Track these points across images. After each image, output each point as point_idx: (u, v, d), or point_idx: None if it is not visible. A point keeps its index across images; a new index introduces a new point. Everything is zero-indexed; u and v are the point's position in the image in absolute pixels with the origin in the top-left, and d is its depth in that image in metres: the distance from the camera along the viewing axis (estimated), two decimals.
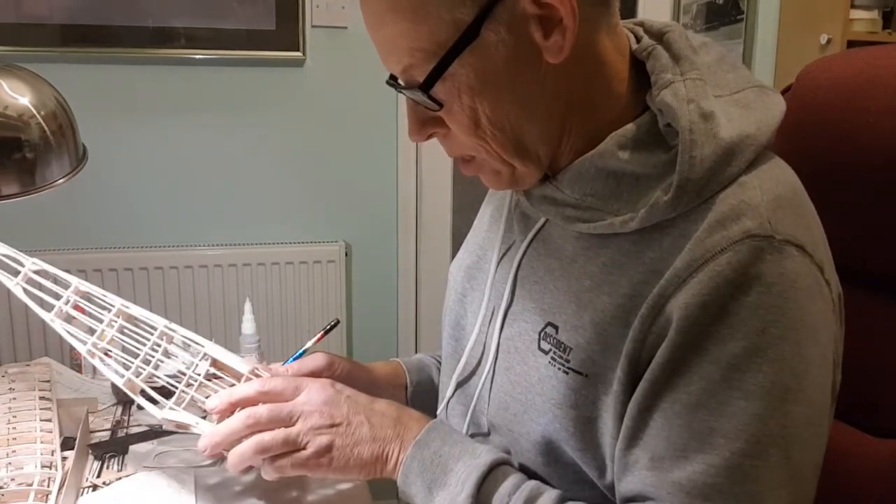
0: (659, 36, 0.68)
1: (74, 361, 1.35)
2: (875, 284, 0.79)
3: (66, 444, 0.90)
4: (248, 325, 1.41)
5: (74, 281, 0.84)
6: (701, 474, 0.57)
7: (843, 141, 0.77)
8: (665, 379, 0.59)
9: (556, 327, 0.66)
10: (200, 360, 0.78)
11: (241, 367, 0.77)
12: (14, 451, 0.85)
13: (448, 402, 0.81)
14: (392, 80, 0.68)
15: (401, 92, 0.65)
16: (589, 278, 0.65)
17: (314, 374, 0.81)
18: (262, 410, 0.70)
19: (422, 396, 0.91)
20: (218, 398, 0.72)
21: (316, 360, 0.83)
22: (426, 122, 0.67)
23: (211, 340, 0.80)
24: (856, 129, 0.76)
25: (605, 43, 0.65)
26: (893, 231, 0.75)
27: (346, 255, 2.17)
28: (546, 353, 0.67)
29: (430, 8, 0.59)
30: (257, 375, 0.77)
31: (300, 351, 0.84)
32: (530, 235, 0.73)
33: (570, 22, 0.59)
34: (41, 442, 0.87)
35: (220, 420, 0.72)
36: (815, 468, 0.62)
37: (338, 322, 0.95)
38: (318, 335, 0.86)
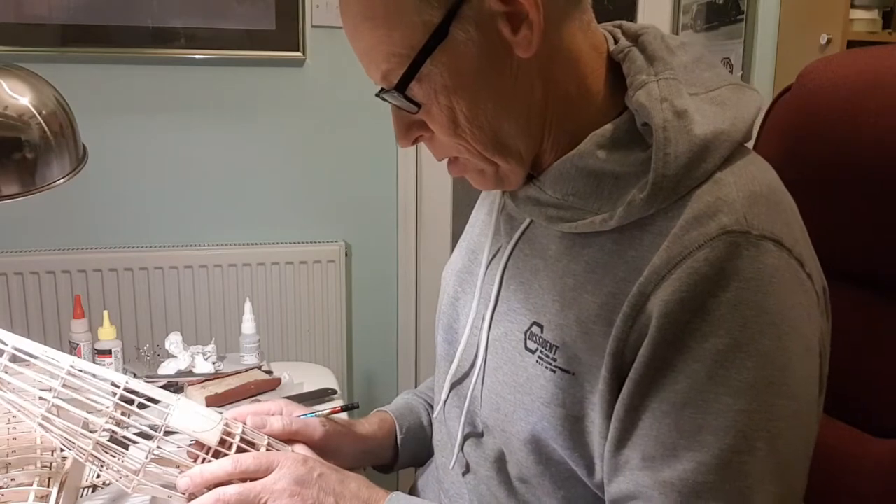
0: (635, 38, 0.69)
1: None
2: (875, 284, 0.79)
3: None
4: (248, 325, 1.41)
5: (10, 340, 0.69)
6: (692, 472, 0.57)
7: (844, 141, 0.77)
8: (650, 378, 0.59)
9: (541, 326, 0.67)
10: (164, 434, 0.70)
11: (210, 435, 0.71)
12: (14, 451, 0.85)
13: (444, 404, 0.81)
14: (380, 93, 0.69)
15: (384, 99, 0.66)
16: (573, 277, 0.65)
17: (301, 434, 0.79)
18: (231, 492, 0.67)
19: (412, 444, 0.92)
20: (189, 477, 0.69)
21: (314, 428, 0.80)
22: (411, 127, 0.68)
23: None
24: (857, 129, 0.76)
25: (577, 38, 0.65)
26: (894, 231, 0.75)
27: (346, 255, 2.17)
28: (533, 352, 0.67)
29: (400, 13, 0.61)
30: (229, 433, 0.72)
31: (310, 414, 0.83)
32: (516, 236, 0.74)
33: (535, 16, 0.60)
34: (41, 442, 0.87)
35: (189, 498, 0.69)
36: (804, 460, 0.62)
37: (357, 406, 0.94)
38: (335, 409, 0.84)
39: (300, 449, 0.76)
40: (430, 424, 0.93)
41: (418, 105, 0.64)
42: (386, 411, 0.93)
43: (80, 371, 0.70)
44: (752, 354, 0.57)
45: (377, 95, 0.66)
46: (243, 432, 0.74)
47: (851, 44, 2.02)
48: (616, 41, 0.69)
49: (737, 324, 0.57)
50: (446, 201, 2.27)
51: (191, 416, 0.72)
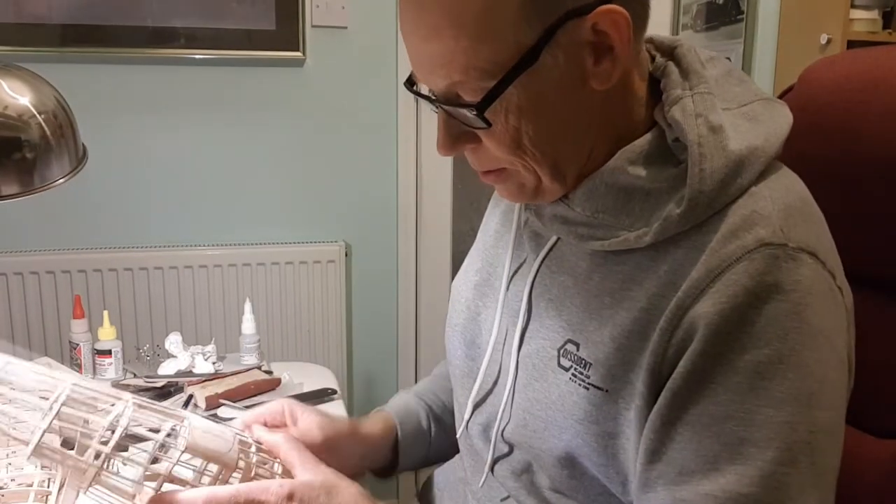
0: (669, 51, 0.69)
1: (74, 361, 1.35)
2: (876, 284, 0.79)
3: (66, 444, 0.90)
4: (248, 325, 1.41)
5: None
6: (734, 484, 0.57)
7: (845, 142, 0.77)
8: (689, 390, 0.59)
9: (577, 344, 0.66)
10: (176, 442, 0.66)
11: (228, 458, 0.68)
12: (14, 452, 0.85)
13: (467, 423, 0.80)
14: (409, 84, 0.67)
15: (438, 106, 0.64)
16: (609, 295, 0.65)
17: (310, 446, 0.75)
18: None
19: (411, 447, 0.91)
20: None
21: (312, 435, 0.79)
22: (460, 137, 0.65)
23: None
24: (859, 130, 0.76)
25: (633, 72, 0.66)
26: (894, 231, 0.75)
27: (346, 255, 2.17)
28: (567, 369, 0.67)
29: (495, 27, 0.58)
30: (244, 451, 0.70)
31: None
32: (542, 254, 0.73)
33: (621, 51, 0.60)
34: None
35: None
36: (836, 472, 0.62)
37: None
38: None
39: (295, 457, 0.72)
40: (430, 429, 0.92)
41: (490, 123, 0.61)
42: (386, 411, 0.92)
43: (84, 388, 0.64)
44: (792, 366, 0.57)
45: (433, 103, 0.64)
46: (258, 449, 0.71)
47: (851, 44, 2.02)
48: (652, 57, 0.69)
49: (777, 336, 0.57)
50: (446, 201, 2.26)
51: (205, 437, 0.67)
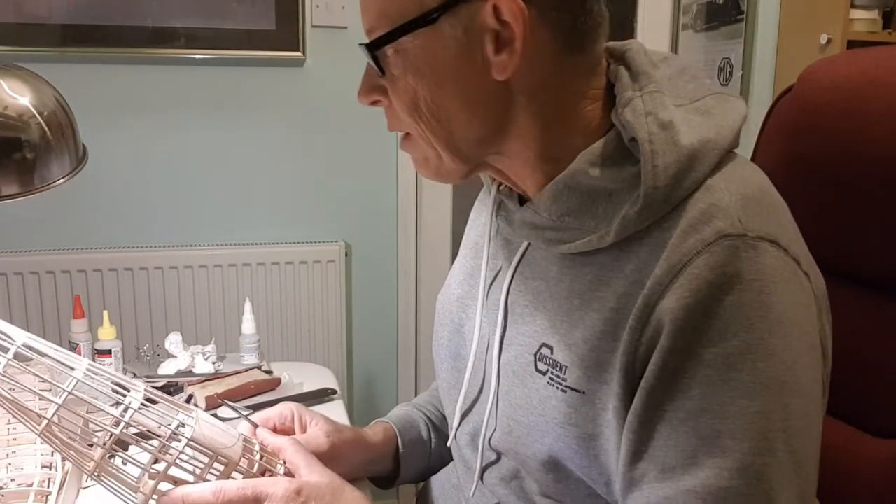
0: (621, 56, 0.69)
1: None
2: (876, 283, 0.79)
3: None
4: (248, 325, 1.41)
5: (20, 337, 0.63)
6: (714, 478, 0.57)
7: (844, 141, 0.77)
8: (662, 388, 0.59)
9: (550, 348, 0.67)
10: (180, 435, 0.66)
11: (233, 451, 0.68)
12: (14, 452, 0.85)
13: (456, 433, 0.81)
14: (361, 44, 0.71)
15: (362, 52, 0.68)
16: (578, 297, 0.66)
17: (316, 453, 0.76)
18: None
19: (412, 458, 0.91)
20: (169, 499, 0.65)
21: (318, 442, 0.80)
22: (374, 89, 0.69)
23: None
24: (857, 130, 0.76)
25: (574, 80, 0.66)
26: (894, 231, 0.75)
27: (346, 255, 2.17)
28: (544, 374, 0.67)
29: None
30: (248, 449, 0.70)
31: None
32: (515, 261, 0.74)
33: (519, 46, 0.61)
34: (41, 442, 0.87)
35: None
36: (816, 459, 0.62)
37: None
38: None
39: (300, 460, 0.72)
40: (430, 439, 0.93)
41: (383, 71, 0.66)
42: (387, 421, 0.93)
43: (96, 372, 0.64)
44: (761, 355, 0.57)
45: (360, 45, 0.68)
46: (261, 449, 0.72)
47: (851, 44, 2.02)
48: (608, 64, 0.70)
49: (743, 326, 0.57)
50: (446, 201, 2.27)
51: (212, 430, 0.68)
